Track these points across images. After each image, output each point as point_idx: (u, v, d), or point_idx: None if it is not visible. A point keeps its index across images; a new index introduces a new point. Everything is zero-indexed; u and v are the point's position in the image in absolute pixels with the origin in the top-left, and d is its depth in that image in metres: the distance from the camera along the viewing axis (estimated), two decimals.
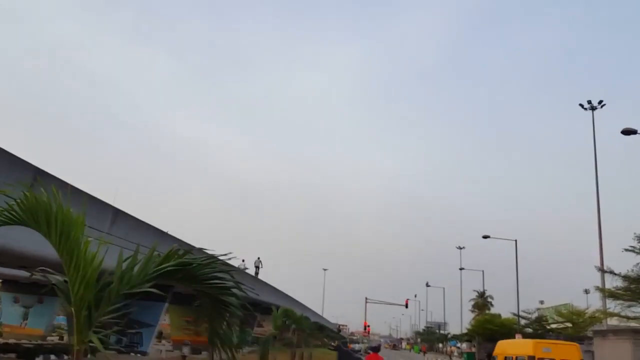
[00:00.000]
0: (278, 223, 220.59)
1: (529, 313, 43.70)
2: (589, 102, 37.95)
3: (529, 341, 20.44)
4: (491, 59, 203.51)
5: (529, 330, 44.77)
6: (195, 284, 3.97)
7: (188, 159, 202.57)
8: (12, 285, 44.70)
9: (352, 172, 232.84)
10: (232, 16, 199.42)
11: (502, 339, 43.68)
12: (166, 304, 26.42)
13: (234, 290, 4.09)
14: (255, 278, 44.27)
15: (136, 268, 3.68)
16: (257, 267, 44.39)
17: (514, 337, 38.48)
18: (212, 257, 3.97)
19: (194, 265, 3.86)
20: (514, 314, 43.11)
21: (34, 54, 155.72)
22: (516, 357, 19.12)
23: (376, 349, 21.36)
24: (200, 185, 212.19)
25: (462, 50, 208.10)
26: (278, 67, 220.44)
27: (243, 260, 40.18)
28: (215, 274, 3.96)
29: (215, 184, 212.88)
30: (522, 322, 42.74)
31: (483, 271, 58.97)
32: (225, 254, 4.02)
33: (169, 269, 3.69)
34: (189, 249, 3.93)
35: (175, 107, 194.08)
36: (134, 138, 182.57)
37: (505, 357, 20.35)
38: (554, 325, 46.24)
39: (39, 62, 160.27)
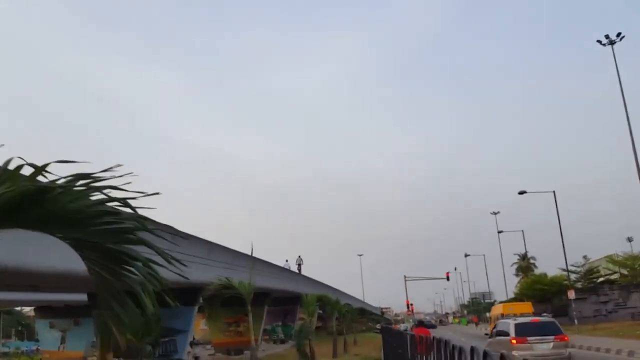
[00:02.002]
0: (310, 218, 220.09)
1: (578, 267, 41.17)
2: (607, 36, 35.37)
3: (500, 305, 37.61)
4: (507, 19, 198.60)
5: (579, 285, 42.44)
6: (68, 228, 2.29)
7: (213, 168, 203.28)
8: (45, 311, 44.34)
9: (377, 155, 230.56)
10: (235, 21, 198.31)
11: (554, 298, 42.96)
12: (196, 308, 25.23)
13: (142, 237, 2.37)
14: (297, 274, 43.72)
15: None
16: (299, 265, 46.39)
17: (567, 294, 36.72)
18: (88, 177, 2.22)
19: (55, 192, 2.12)
20: (563, 270, 40.67)
21: (47, 84, 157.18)
22: (497, 316, 30.82)
23: (422, 323, 20.05)
24: (227, 190, 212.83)
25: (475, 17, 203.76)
26: (287, 65, 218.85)
27: (287, 260, 43.65)
28: (102, 209, 2.29)
29: (241, 187, 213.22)
30: (572, 277, 40.39)
31: (523, 231, 56.38)
32: (111, 168, 2.27)
33: (6, 200, 2.00)
34: (45, 164, 2.16)
35: (189, 116, 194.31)
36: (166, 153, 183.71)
37: (496, 317, 31.17)
38: (606, 277, 43.75)
39: (54, 91, 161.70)
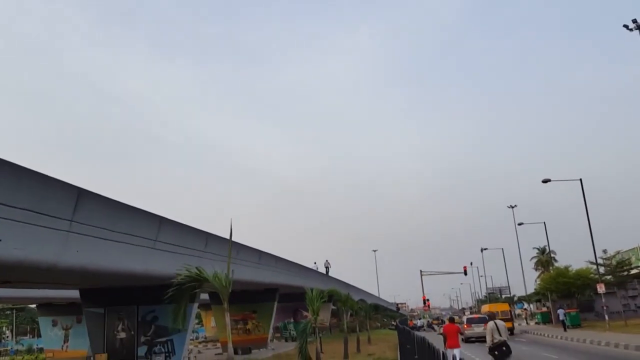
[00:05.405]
0: (326, 214, 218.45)
1: (607, 259, 38.39)
2: (634, 21, 32.50)
3: (487, 305, 54.44)
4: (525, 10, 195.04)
5: (608, 277, 39.48)
6: None
7: (223, 164, 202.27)
8: (48, 308, 42.88)
9: (394, 150, 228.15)
10: (249, 16, 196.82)
11: (579, 292, 40.84)
12: (195, 305, 23.40)
13: None
14: (308, 269, 44.31)
15: None
16: (327, 267, 53.26)
17: (592, 289, 34.87)
18: None
19: None
20: (592, 262, 38.03)
21: (65, 83, 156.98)
22: (485, 312, 37.01)
23: (453, 320, 19.11)
24: (242, 188, 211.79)
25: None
26: (301, 61, 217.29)
27: (315, 263, 50.26)
28: None
29: (256, 185, 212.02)
30: (601, 270, 37.68)
31: (545, 223, 53.66)
32: None
33: None
34: None
35: (205, 111, 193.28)
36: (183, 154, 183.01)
37: (485, 313, 37.68)
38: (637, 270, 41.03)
39: (72, 91, 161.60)
